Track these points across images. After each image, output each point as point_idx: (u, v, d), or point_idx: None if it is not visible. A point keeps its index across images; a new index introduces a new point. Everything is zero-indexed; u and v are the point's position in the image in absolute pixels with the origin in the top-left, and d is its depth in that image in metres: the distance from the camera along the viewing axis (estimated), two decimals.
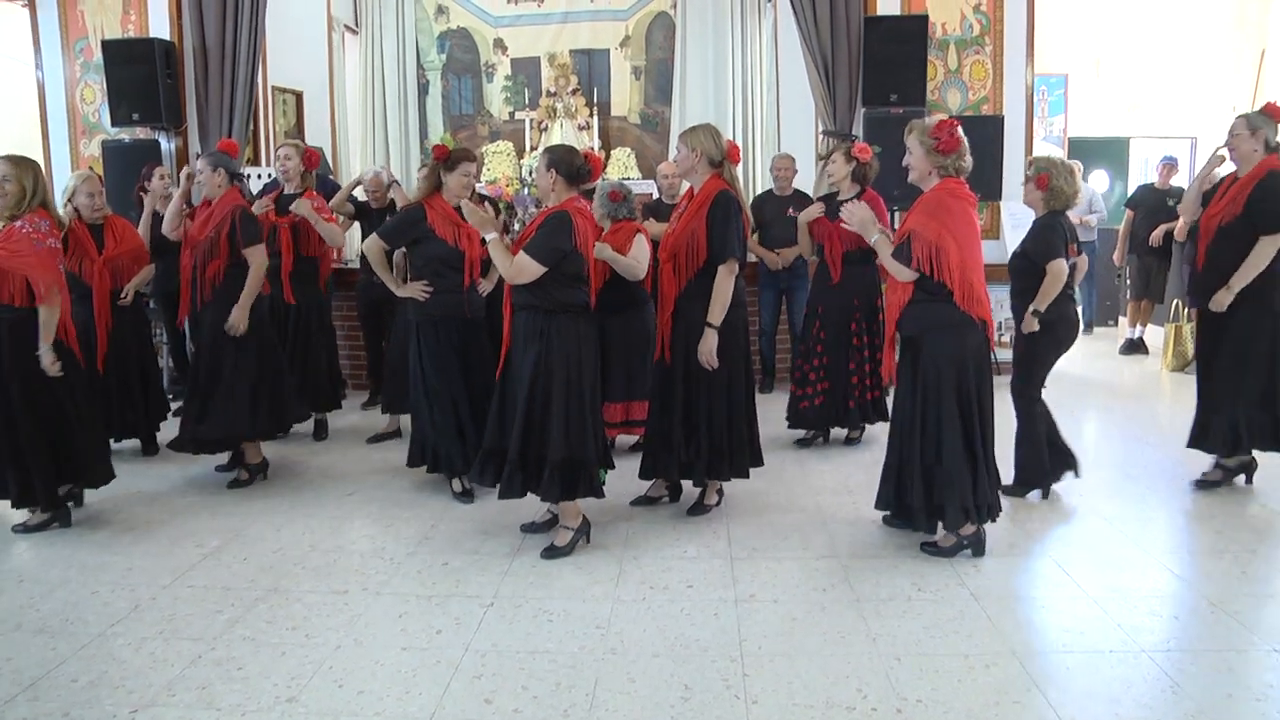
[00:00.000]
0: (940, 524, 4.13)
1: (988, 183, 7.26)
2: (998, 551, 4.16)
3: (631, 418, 5.46)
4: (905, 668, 3.19)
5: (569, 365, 4.09)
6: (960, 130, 4.05)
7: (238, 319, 5.10)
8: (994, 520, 4.15)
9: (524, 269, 4.04)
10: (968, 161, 4.11)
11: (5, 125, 9.81)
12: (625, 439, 5.79)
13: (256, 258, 5.19)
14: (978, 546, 4.11)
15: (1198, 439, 5.05)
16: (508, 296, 4.24)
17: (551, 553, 4.19)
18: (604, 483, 4.35)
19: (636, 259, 5.24)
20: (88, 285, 5.52)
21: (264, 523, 4.73)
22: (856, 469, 5.43)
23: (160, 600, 3.85)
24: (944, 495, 4.02)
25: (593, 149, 12.08)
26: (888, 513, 4.40)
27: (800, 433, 6.07)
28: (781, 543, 4.34)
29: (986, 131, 7.47)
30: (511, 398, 4.21)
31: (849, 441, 6.06)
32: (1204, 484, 5.02)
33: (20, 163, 4.49)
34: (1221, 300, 4.76)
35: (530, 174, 12.25)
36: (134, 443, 6.03)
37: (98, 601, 3.86)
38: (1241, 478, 5.05)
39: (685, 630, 3.48)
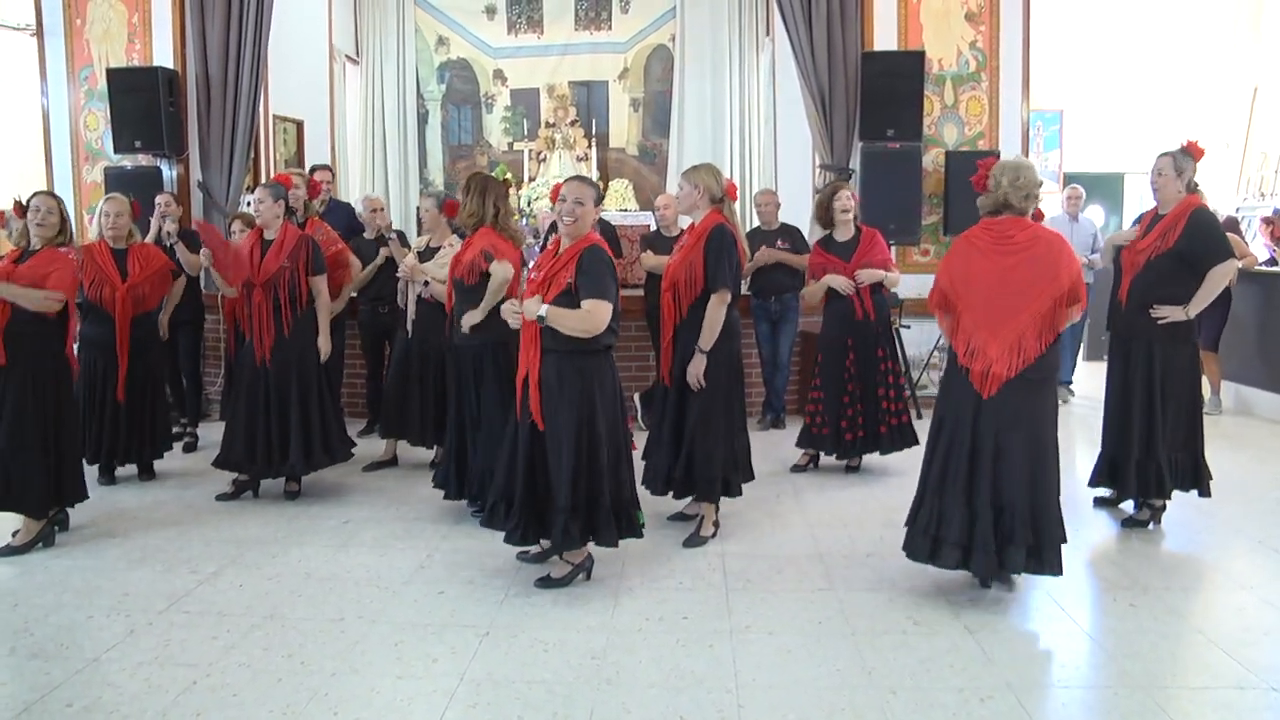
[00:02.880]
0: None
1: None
2: (995, 587, 4.16)
3: None
4: (901, 701, 3.19)
5: (611, 406, 4.09)
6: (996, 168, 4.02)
7: (328, 348, 5.52)
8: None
9: (598, 313, 3.92)
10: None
11: (9, 152, 9.86)
12: None
13: (322, 286, 5.49)
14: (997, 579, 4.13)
15: (1104, 476, 5.06)
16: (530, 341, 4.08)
17: (546, 583, 4.19)
18: (643, 524, 4.30)
19: None
20: (109, 312, 5.57)
21: (259, 550, 4.73)
22: (851, 503, 5.44)
23: (156, 625, 3.85)
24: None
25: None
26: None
27: (795, 457, 6.22)
28: (777, 575, 4.34)
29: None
30: (530, 444, 4.12)
31: (849, 470, 6.10)
32: (1133, 523, 4.99)
33: (56, 197, 4.91)
34: (1173, 314, 4.73)
35: (528, 205, 12.34)
36: (130, 468, 6.03)
37: (93, 626, 3.86)
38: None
39: (681, 661, 3.48)
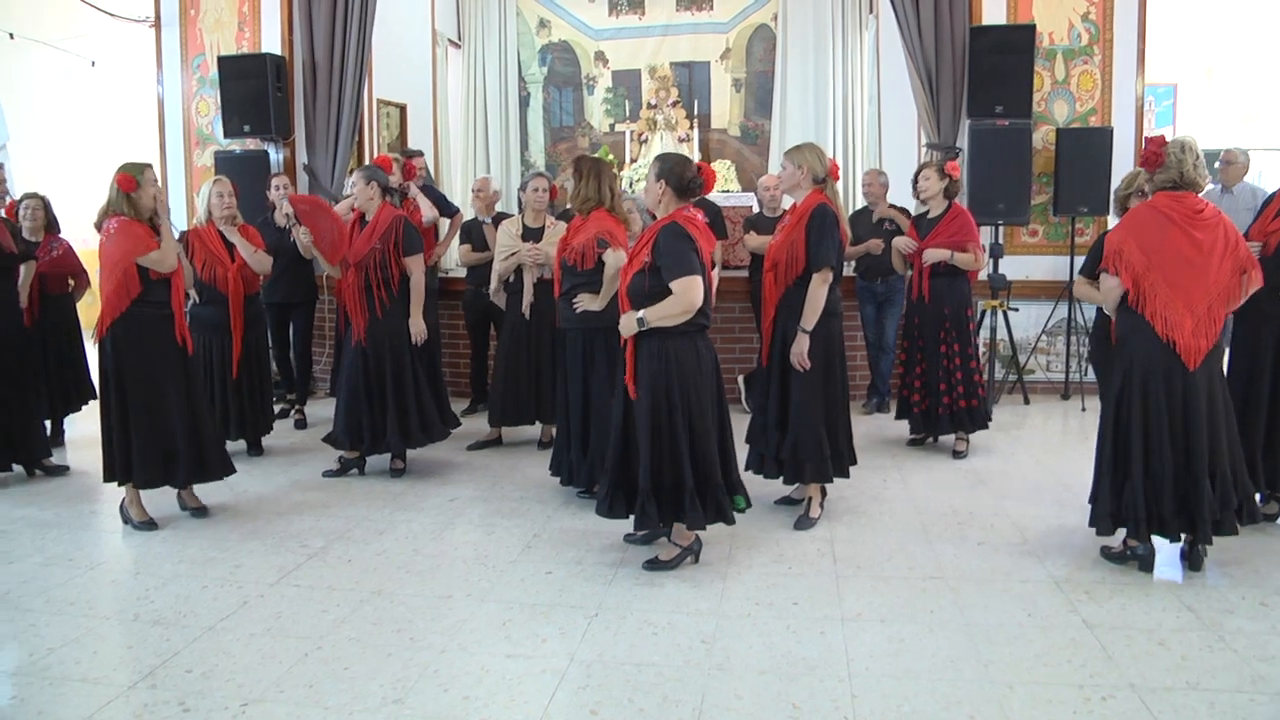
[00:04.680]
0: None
1: (1098, 196, 7.05)
2: (1112, 580, 3.99)
3: None
4: (1019, 697, 3.06)
5: (687, 387, 3.98)
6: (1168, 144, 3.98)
7: (419, 330, 5.53)
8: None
9: (689, 291, 3.86)
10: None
11: (128, 139, 10.19)
12: None
13: (417, 267, 5.50)
14: (1144, 561, 4.04)
15: None
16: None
17: (654, 565, 4.15)
18: (743, 509, 4.22)
19: None
20: (221, 292, 5.70)
21: (366, 526, 4.79)
22: (958, 489, 5.28)
23: (267, 598, 3.92)
24: None
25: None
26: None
27: (900, 441, 6.26)
28: (886, 562, 4.23)
29: (1095, 144, 7.29)
30: (631, 426, 4.11)
31: (955, 454, 6.00)
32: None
33: (42, 196, 5.48)
34: None
35: (630, 186, 12.30)
36: (240, 444, 6.19)
37: (207, 596, 3.95)
38: None
39: (792, 648, 3.41)
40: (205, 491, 5.13)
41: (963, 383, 5.82)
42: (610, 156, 12.56)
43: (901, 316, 7.12)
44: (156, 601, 3.92)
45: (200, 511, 5.00)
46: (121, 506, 4.90)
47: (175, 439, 4.76)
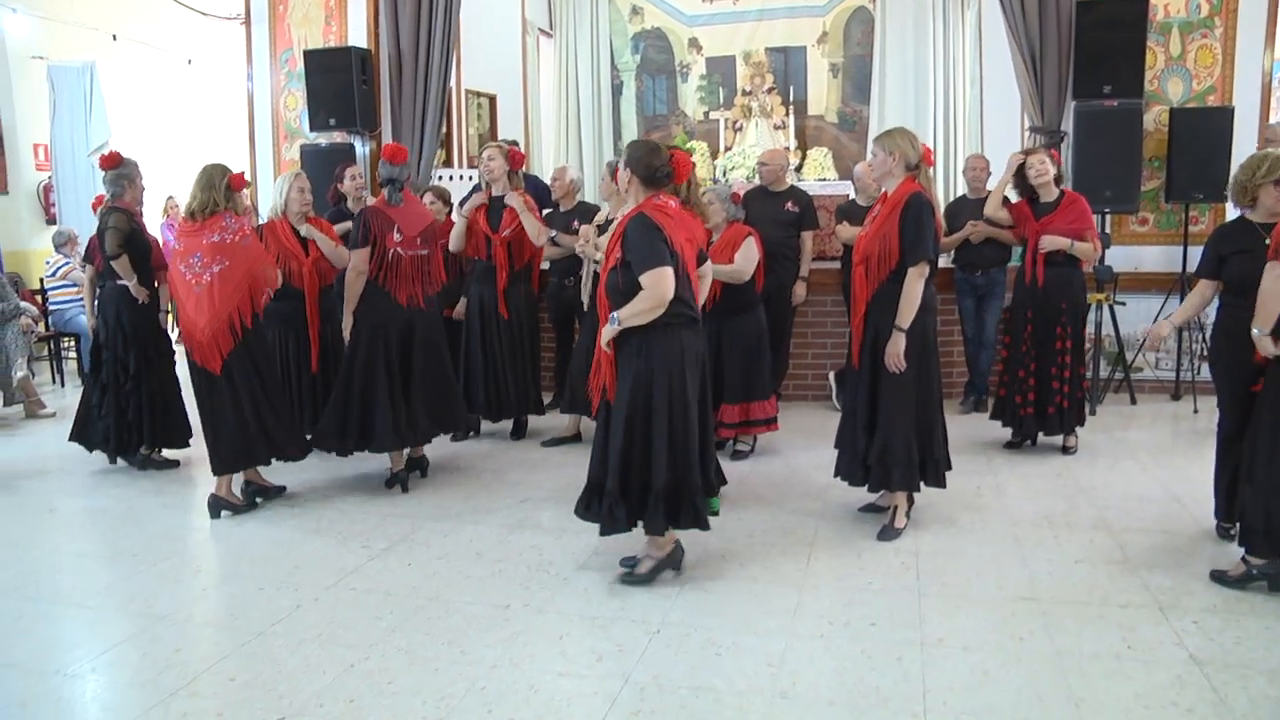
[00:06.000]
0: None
1: (1215, 182, 6.52)
2: (1226, 608, 3.59)
3: (751, 418, 5.56)
4: None
5: (672, 383, 3.74)
6: None
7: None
8: None
9: (659, 284, 3.60)
10: None
11: (221, 133, 10.38)
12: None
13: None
14: (1274, 580, 3.68)
15: None
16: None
17: (629, 579, 3.93)
18: (715, 513, 3.97)
19: (739, 264, 5.29)
20: (296, 287, 5.66)
21: (431, 528, 4.67)
22: (1058, 498, 4.89)
23: (322, 601, 3.82)
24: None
25: (788, 148, 11.75)
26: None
27: (997, 443, 5.91)
28: (975, 579, 3.91)
29: (1214, 125, 6.74)
30: (605, 422, 3.92)
31: (1065, 450, 5.67)
32: None
33: None
34: None
35: (724, 175, 12.04)
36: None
37: (263, 598, 3.88)
38: None
39: (865, 675, 3.14)
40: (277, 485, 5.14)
41: (1071, 380, 5.53)
42: (689, 144, 12.31)
43: (1003, 312, 6.77)
44: (212, 601, 3.87)
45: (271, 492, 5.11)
46: (213, 501, 4.90)
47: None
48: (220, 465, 4.89)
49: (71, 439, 5.81)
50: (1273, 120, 6.81)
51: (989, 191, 6.62)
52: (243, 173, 4.91)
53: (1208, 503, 4.31)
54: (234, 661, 3.34)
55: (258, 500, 5.06)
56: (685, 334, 3.77)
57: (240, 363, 4.83)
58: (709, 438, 3.95)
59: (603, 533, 3.86)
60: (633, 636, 3.46)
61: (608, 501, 3.80)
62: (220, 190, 4.77)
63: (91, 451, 5.81)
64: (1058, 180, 5.56)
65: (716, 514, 3.99)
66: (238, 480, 5.03)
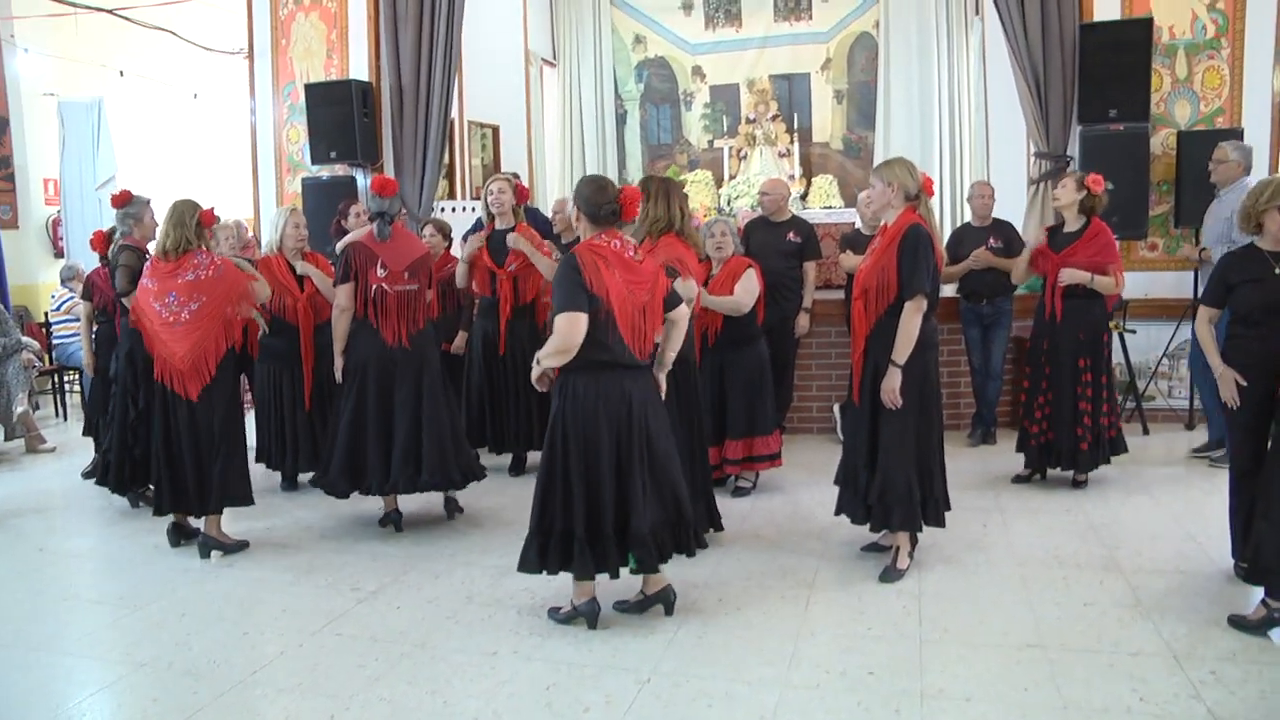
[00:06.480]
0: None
1: None
2: (1246, 656, 3.42)
3: (754, 453, 5.44)
4: None
5: (588, 429, 3.64)
6: None
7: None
8: None
9: (564, 329, 3.53)
10: None
11: (225, 166, 10.40)
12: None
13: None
14: None
15: None
16: None
17: (553, 614, 3.89)
18: (634, 570, 3.78)
19: (739, 295, 5.21)
20: (290, 322, 5.59)
21: (424, 569, 4.56)
22: (1068, 537, 4.72)
23: (306, 647, 3.72)
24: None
25: (793, 176, 11.69)
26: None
27: (1005, 477, 5.76)
28: (979, 624, 3.76)
29: None
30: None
31: (1075, 484, 5.50)
32: None
33: None
34: None
35: (728, 204, 11.99)
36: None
37: (246, 644, 3.79)
38: None
39: None
40: (266, 525, 5.03)
41: (1093, 414, 5.35)
42: (682, 176, 12.25)
43: (1010, 340, 6.65)
44: (194, 648, 3.76)
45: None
46: (203, 541, 4.82)
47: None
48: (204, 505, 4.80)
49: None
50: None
51: (995, 220, 6.54)
52: (212, 208, 4.81)
53: (1224, 541, 4.14)
54: (211, 712, 3.24)
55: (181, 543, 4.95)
56: (609, 378, 3.66)
57: (219, 393, 4.74)
58: (634, 486, 3.71)
59: (519, 568, 3.82)
60: (622, 686, 3.34)
61: (526, 538, 3.78)
62: (191, 228, 4.68)
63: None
64: (1091, 209, 5.37)
65: (634, 571, 3.79)
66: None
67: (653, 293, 3.74)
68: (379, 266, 4.93)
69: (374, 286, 4.92)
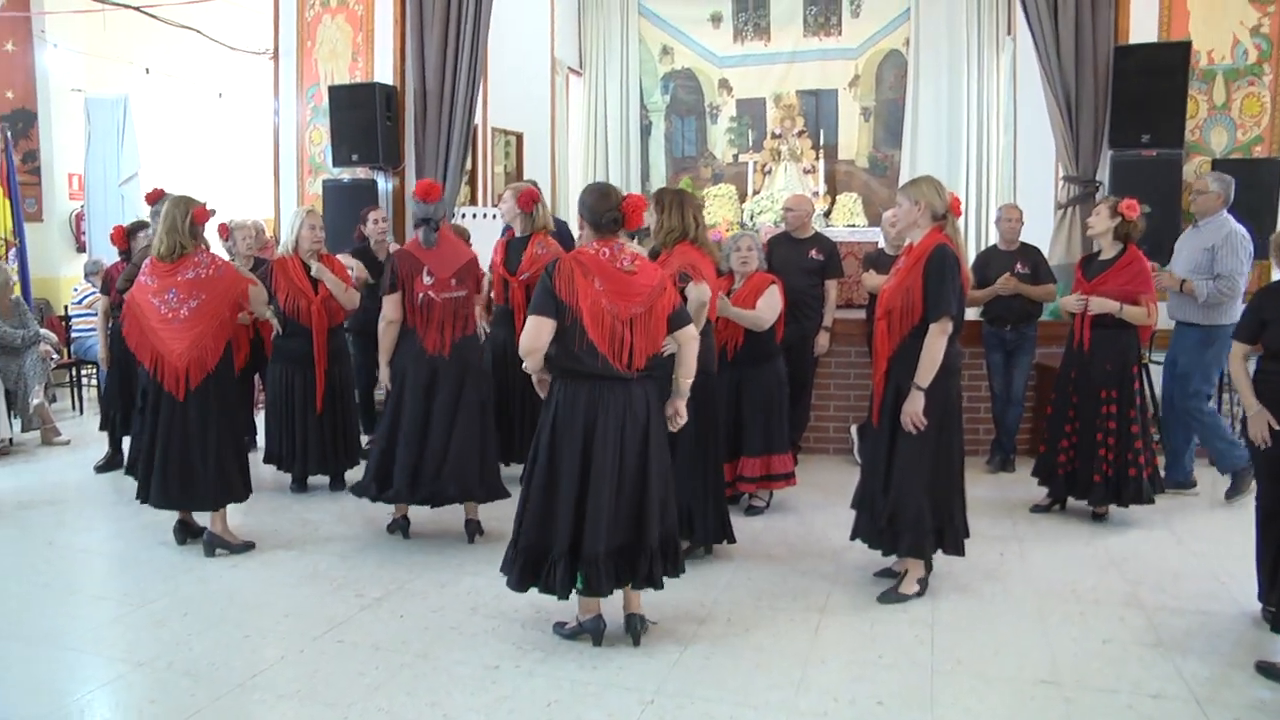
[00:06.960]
0: None
1: (1261, 237, 6.27)
2: (1273, 706, 3.29)
3: (772, 472, 5.34)
4: None
5: (557, 440, 3.60)
6: None
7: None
8: None
9: (527, 333, 3.54)
10: None
11: (248, 166, 10.42)
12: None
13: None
14: None
15: None
16: None
17: (558, 628, 3.84)
18: (582, 592, 3.66)
19: (761, 310, 5.14)
20: (304, 325, 5.57)
21: (430, 577, 4.50)
22: (1087, 571, 4.61)
23: (307, 653, 3.67)
24: None
25: (817, 193, 11.62)
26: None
27: (1024, 505, 5.64)
28: (993, 657, 3.66)
29: (1261, 177, 6.48)
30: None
31: (1095, 517, 5.38)
32: None
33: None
34: None
35: (751, 219, 11.92)
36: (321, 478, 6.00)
37: (247, 647, 3.74)
38: None
39: None
40: (273, 528, 4.98)
41: (1115, 449, 5.20)
42: (699, 192, 12.22)
43: (1032, 368, 6.55)
44: (195, 648, 3.71)
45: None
46: (208, 539, 4.77)
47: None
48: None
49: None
50: None
51: (1022, 244, 6.44)
52: (205, 204, 4.72)
53: (1250, 582, 4.01)
54: (208, 715, 3.20)
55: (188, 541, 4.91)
56: (580, 387, 3.60)
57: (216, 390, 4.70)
58: (598, 505, 3.60)
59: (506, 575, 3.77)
60: (625, 706, 3.27)
61: (507, 550, 3.74)
62: (184, 232, 4.60)
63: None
64: (1127, 235, 5.26)
65: (581, 593, 3.68)
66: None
67: (649, 306, 3.62)
68: (425, 274, 4.82)
69: (420, 295, 4.82)
